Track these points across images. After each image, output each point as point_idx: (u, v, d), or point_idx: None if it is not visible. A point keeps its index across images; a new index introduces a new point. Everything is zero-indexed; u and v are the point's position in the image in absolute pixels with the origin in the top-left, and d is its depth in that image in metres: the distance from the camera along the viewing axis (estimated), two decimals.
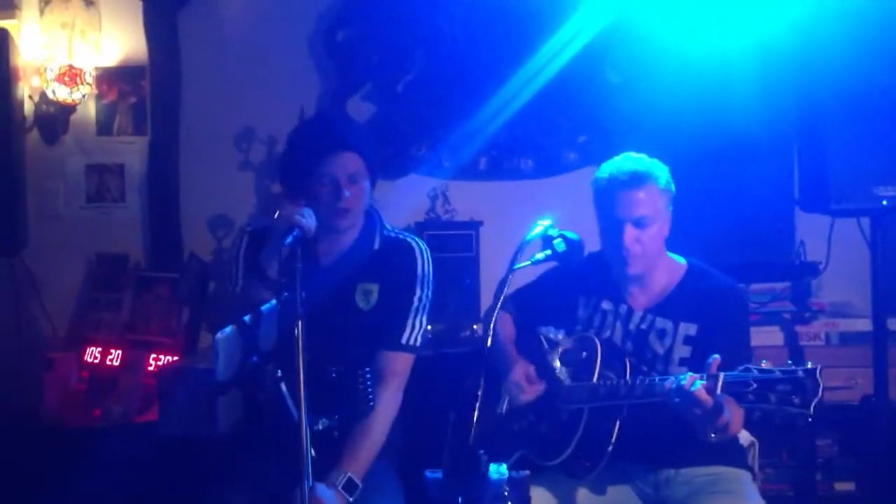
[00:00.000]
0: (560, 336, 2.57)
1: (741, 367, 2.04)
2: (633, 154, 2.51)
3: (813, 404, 1.92)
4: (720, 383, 2.05)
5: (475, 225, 3.80)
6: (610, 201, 2.46)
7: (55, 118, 3.88)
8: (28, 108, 3.85)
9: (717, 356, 2.11)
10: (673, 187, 2.50)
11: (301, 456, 2.01)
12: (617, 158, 2.51)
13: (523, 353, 2.60)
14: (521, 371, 2.50)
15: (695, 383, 2.09)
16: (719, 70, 3.53)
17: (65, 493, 3.17)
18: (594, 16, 3.68)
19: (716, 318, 2.43)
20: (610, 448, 2.33)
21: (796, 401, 1.94)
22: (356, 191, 2.38)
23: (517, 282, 2.53)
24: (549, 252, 2.36)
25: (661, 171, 2.48)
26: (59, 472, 3.23)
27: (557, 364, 2.48)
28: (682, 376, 2.14)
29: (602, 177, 2.50)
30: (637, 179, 2.44)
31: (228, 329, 2.27)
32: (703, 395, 2.07)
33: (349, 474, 2.31)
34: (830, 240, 3.57)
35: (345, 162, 2.36)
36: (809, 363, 1.98)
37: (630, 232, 2.43)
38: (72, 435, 3.39)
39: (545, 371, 2.51)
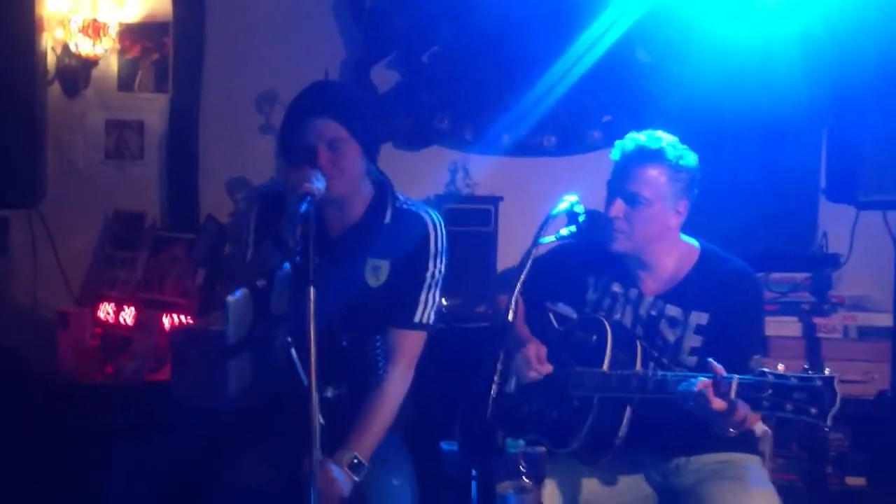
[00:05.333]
0: (572, 314, 2.54)
1: (756, 372, 1.99)
2: (661, 133, 2.44)
3: (830, 415, 1.88)
4: (734, 388, 2.01)
5: (495, 200, 3.76)
6: (613, 171, 2.42)
7: (77, 71, 3.85)
8: (50, 60, 3.83)
9: (718, 365, 2.05)
10: (692, 173, 2.42)
11: (309, 423, 1.99)
12: (641, 132, 2.44)
13: (531, 331, 2.56)
14: (534, 349, 2.46)
15: (706, 390, 2.03)
16: (752, 54, 3.47)
17: (76, 447, 3.19)
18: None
19: (728, 306, 2.37)
20: (620, 436, 2.30)
21: (813, 411, 1.89)
22: (336, 157, 2.31)
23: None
24: (573, 228, 2.33)
25: (678, 154, 2.39)
26: (70, 427, 3.25)
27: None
28: (693, 381, 2.09)
29: (615, 147, 2.46)
30: (644, 155, 2.38)
31: (239, 292, 2.25)
32: (718, 403, 2.02)
33: (355, 454, 2.29)
34: (854, 232, 3.52)
35: (321, 129, 2.30)
36: (827, 370, 1.93)
37: (618, 205, 2.38)
38: (84, 391, 3.40)
39: (554, 352, 2.48)
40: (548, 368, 2.44)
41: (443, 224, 2.47)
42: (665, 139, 2.41)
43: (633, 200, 2.37)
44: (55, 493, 3.15)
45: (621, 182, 2.39)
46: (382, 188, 2.49)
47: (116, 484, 3.04)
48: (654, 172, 2.38)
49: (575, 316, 2.56)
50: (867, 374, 3.31)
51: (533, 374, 2.44)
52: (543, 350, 2.47)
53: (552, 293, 2.60)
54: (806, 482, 3.44)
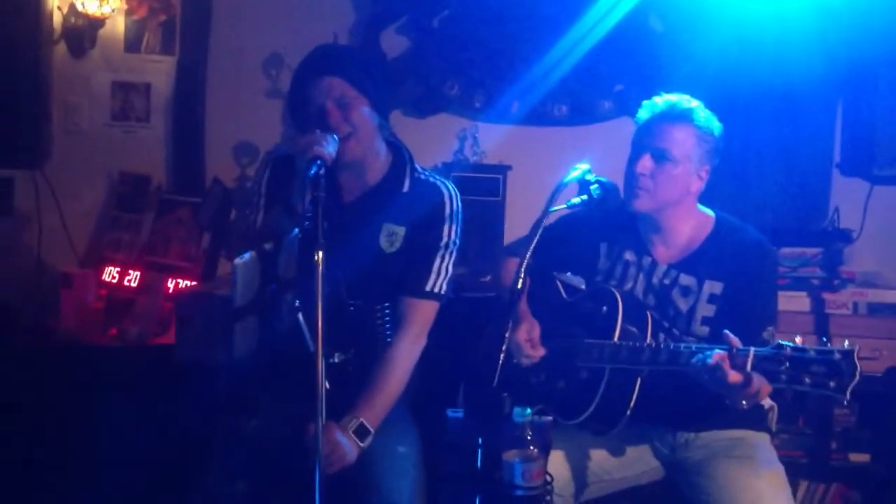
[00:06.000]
0: (581, 283, 2.52)
1: (773, 344, 1.95)
2: (688, 97, 2.42)
3: (849, 388, 1.84)
4: (750, 360, 1.97)
5: (503, 169, 3.72)
6: (640, 130, 2.40)
7: (83, 32, 3.79)
8: (56, 19, 3.78)
9: (734, 337, 2.02)
10: (717, 139, 2.41)
11: (315, 388, 1.96)
12: (668, 94, 2.43)
13: (539, 301, 2.54)
14: (524, 332, 2.44)
15: (722, 362, 2.00)
16: (767, 24, 3.42)
17: (77, 410, 3.18)
18: None
19: (742, 276, 2.35)
20: (630, 409, 2.28)
21: (832, 384, 1.86)
22: (346, 114, 2.28)
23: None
24: (585, 197, 2.30)
25: (705, 119, 2.39)
26: (72, 389, 3.24)
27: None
28: (707, 353, 2.06)
29: (643, 107, 2.44)
30: (675, 114, 2.37)
31: (247, 255, 2.23)
32: (734, 376, 1.99)
33: (362, 420, 2.28)
34: (867, 207, 3.49)
35: (328, 87, 2.28)
36: (846, 343, 1.90)
37: (645, 161, 2.35)
38: (87, 353, 3.39)
39: (562, 322, 2.46)
40: (540, 352, 2.42)
41: (459, 198, 2.46)
42: (693, 103, 2.41)
43: (661, 157, 2.35)
44: (56, 454, 3.15)
45: (650, 139, 2.37)
46: (400, 156, 2.47)
47: (119, 447, 3.04)
48: (684, 132, 2.36)
49: (584, 286, 2.54)
50: (876, 350, 3.29)
51: (524, 360, 2.42)
52: (536, 330, 2.45)
53: (562, 262, 2.58)
54: (809, 458, 3.43)
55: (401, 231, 2.40)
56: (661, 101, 2.41)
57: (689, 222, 2.45)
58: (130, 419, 3.10)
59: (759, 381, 2.00)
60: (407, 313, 2.40)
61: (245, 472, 2.31)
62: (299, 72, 2.36)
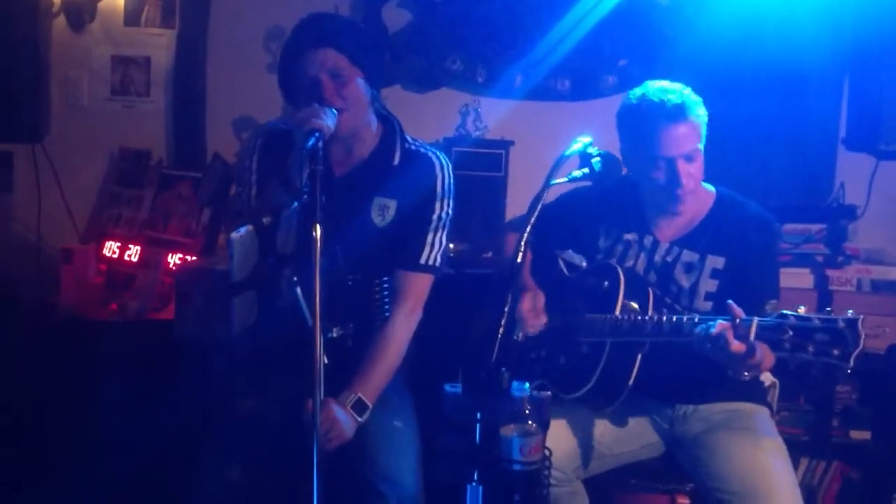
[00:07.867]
0: (581, 261, 2.51)
1: (776, 314, 1.94)
2: (667, 83, 2.38)
3: (853, 356, 1.84)
4: (753, 329, 1.97)
5: (506, 144, 3.69)
6: (654, 136, 2.34)
7: (82, 5, 3.75)
8: None
9: (737, 307, 2.01)
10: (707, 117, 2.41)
11: (313, 363, 1.96)
12: (653, 87, 2.38)
13: (540, 278, 2.53)
14: (528, 303, 2.44)
15: (725, 332, 2.00)
16: None
17: (77, 385, 3.18)
18: None
19: (744, 250, 2.36)
20: (630, 383, 2.28)
21: (836, 352, 1.85)
22: (339, 87, 2.26)
23: None
24: (586, 170, 2.27)
25: (696, 100, 2.38)
26: (72, 364, 3.24)
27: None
28: (711, 323, 2.06)
29: (639, 105, 2.37)
30: (682, 113, 2.33)
31: (243, 229, 2.21)
32: (737, 345, 1.99)
33: (360, 395, 2.28)
34: (872, 183, 3.46)
35: (322, 58, 2.25)
36: (850, 312, 1.88)
37: (684, 168, 2.34)
38: (87, 328, 3.38)
39: (563, 298, 2.45)
40: (543, 320, 2.41)
41: (451, 166, 2.44)
42: (680, 89, 2.38)
43: (690, 158, 2.35)
44: (54, 429, 3.16)
45: (676, 147, 2.33)
46: (391, 127, 2.45)
47: (118, 422, 3.05)
48: (693, 126, 2.35)
49: (584, 264, 2.54)
50: (879, 327, 3.26)
51: (530, 330, 2.43)
52: (541, 299, 2.45)
53: (563, 240, 2.57)
54: (810, 435, 3.43)
55: (392, 204, 2.39)
56: (663, 101, 2.33)
57: (692, 199, 2.44)
58: (130, 394, 3.10)
59: (762, 351, 1.99)
60: (402, 287, 2.40)
61: (241, 454, 2.30)
62: (291, 42, 2.33)
